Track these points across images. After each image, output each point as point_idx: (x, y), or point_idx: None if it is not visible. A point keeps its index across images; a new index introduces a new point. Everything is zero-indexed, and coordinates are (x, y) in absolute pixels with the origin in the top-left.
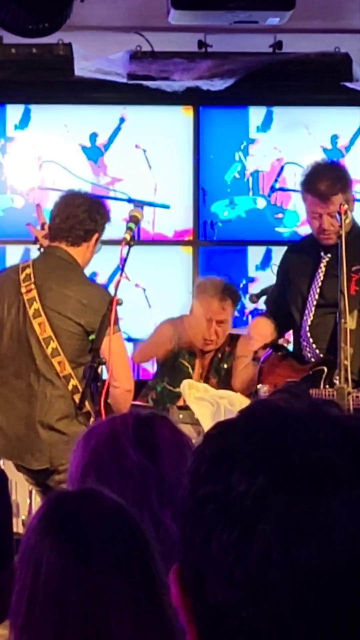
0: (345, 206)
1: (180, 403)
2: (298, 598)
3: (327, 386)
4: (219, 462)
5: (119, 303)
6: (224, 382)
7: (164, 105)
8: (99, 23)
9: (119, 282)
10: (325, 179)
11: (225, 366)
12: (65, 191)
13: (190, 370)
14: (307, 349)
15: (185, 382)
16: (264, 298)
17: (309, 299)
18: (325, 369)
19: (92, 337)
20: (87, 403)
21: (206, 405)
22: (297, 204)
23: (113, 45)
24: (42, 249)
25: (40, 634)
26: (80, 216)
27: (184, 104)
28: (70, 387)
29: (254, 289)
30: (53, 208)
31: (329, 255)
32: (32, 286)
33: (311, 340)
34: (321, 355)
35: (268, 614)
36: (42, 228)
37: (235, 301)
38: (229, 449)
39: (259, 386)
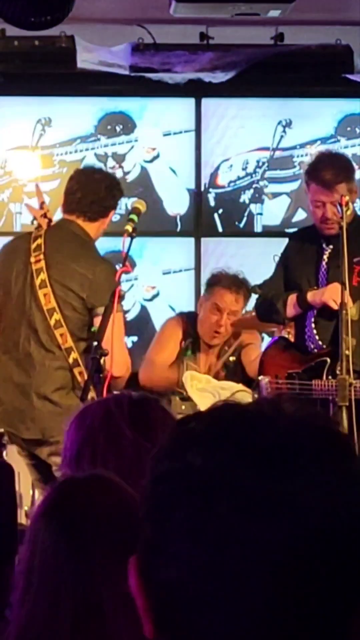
0: (347, 197)
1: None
2: (252, 575)
3: (329, 377)
4: (177, 442)
5: (122, 295)
6: (232, 375)
7: (166, 98)
8: (101, 15)
9: (121, 273)
10: (329, 168)
11: (232, 359)
12: (83, 166)
13: (196, 366)
14: (310, 340)
15: (187, 374)
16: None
17: (319, 284)
18: (328, 360)
19: (94, 328)
20: (85, 376)
21: (208, 396)
22: None
23: (115, 38)
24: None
25: (35, 607)
26: (101, 193)
27: (185, 96)
28: (71, 360)
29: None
30: (71, 181)
31: (331, 246)
32: (41, 257)
33: (315, 331)
34: (324, 347)
35: (221, 591)
36: (41, 207)
37: (247, 296)
38: (188, 431)
39: (260, 377)
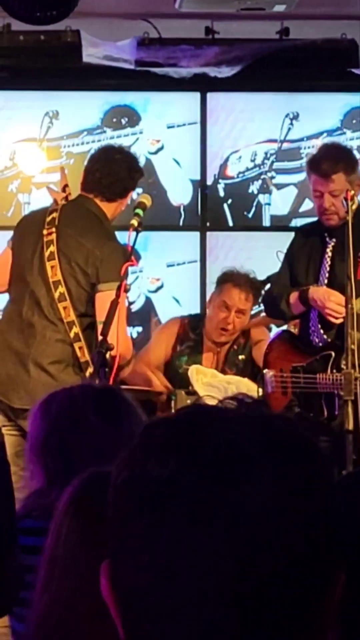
0: (352, 192)
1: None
2: (205, 584)
3: (334, 371)
4: (138, 451)
5: (127, 289)
6: (242, 374)
7: (171, 92)
8: (107, 10)
9: (127, 267)
10: (328, 158)
11: (241, 357)
12: (103, 146)
13: None
14: (315, 334)
15: (193, 368)
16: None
17: (317, 284)
18: (333, 354)
19: (100, 322)
20: (86, 351)
21: (214, 391)
22: None
23: (121, 32)
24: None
25: (56, 596)
26: (121, 173)
27: (191, 90)
28: (72, 334)
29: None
30: (91, 161)
31: (334, 239)
32: (54, 229)
33: (319, 325)
34: (328, 340)
35: (175, 599)
36: (64, 190)
37: (256, 297)
38: (150, 439)
39: (265, 371)
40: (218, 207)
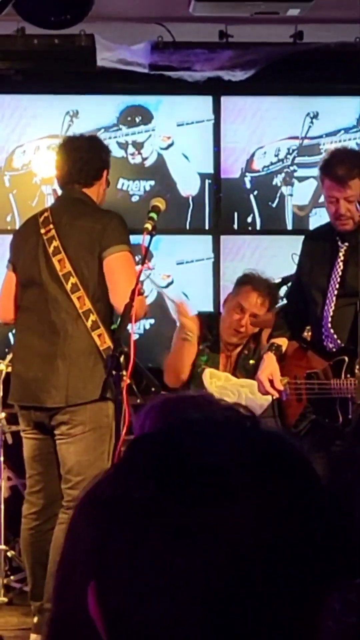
0: None
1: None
2: (185, 604)
3: (348, 375)
4: (120, 469)
5: (141, 293)
6: (252, 378)
7: (186, 95)
8: (121, 14)
9: (141, 271)
10: (343, 164)
11: (252, 362)
12: (61, 140)
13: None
14: (329, 339)
15: (207, 371)
16: (284, 289)
17: (330, 288)
18: (347, 359)
19: (114, 326)
20: (106, 337)
21: (227, 394)
22: None
23: (135, 36)
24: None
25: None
26: (85, 157)
27: (205, 94)
28: (89, 323)
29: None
30: (57, 157)
31: (347, 243)
32: (51, 226)
33: (332, 330)
34: (342, 345)
35: (157, 619)
36: None
37: (273, 304)
38: (132, 457)
39: (280, 378)
40: (245, 200)
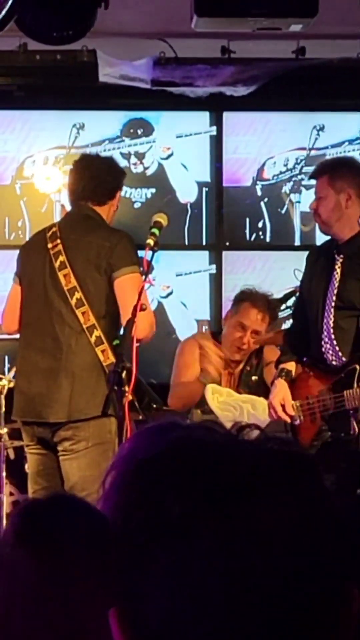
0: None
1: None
2: (238, 611)
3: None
4: (149, 490)
5: (143, 308)
6: (255, 394)
7: (188, 111)
8: (123, 29)
9: (143, 287)
10: (320, 164)
11: (254, 378)
12: (79, 157)
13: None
14: (330, 352)
15: (209, 387)
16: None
17: (327, 301)
18: (358, 367)
19: (116, 341)
20: (110, 353)
21: (229, 410)
22: None
23: (137, 52)
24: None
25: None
26: (101, 176)
27: (207, 110)
28: (93, 338)
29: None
30: (71, 174)
31: (342, 255)
32: (58, 241)
33: (335, 342)
34: (343, 358)
35: (212, 632)
36: None
37: (272, 319)
38: (156, 478)
39: (292, 402)
40: (256, 206)
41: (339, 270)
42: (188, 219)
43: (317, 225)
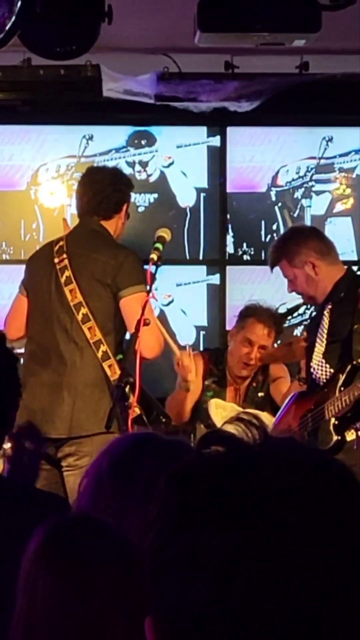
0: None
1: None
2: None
3: (342, 388)
4: (188, 517)
5: (147, 323)
6: (260, 410)
7: (192, 126)
8: (127, 44)
9: (146, 301)
10: (271, 251)
11: (261, 394)
12: (86, 169)
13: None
14: (318, 369)
15: (213, 402)
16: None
17: (317, 339)
18: (341, 376)
19: (120, 356)
20: (117, 367)
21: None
22: None
23: (141, 67)
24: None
25: None
26: (107, 190)
27: (211, 125)
28: (100, 353)
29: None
30: (78, 188)
31: (330, 302)
32: (64, 256)
33: (323, 360)
34: (331, 371)
35: None
36: None
37: (278, 333)
38: (195, 502)
39: None
40: (271, 210)
41: (327, 314)
42: (187, 221)
43: None
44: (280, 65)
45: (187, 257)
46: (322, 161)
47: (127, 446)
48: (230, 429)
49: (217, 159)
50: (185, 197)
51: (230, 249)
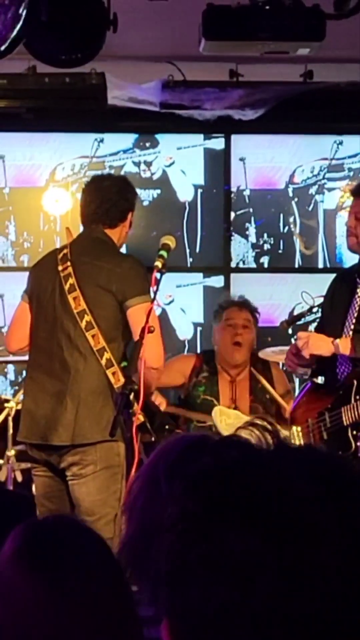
0: None
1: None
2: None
3: (358, 397)
4: (209, 521)
5: (151, 330)
6: (268, 410)
7: (196, 134)
8: (132, 53)
9: (151, 309)
10: None
11: (268, 396)
12: (91, 177)
13: (215, 401)
14: (345, 373)
15: (217, 409)
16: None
17: (346, 325)
18: (355, 382)
19: (124, 363)
20: (121, 375)
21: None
22: None
23: (146, 75)
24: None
25: None
26: (113, 198)
27: (215, 133)
28: (103, 361)
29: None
30: (83, 195)
31: None
32: (68, 263)
33: (351, 363)
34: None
35: None
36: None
37: (253, 312)
38: (216, 505)
39: (292, 429)
40: (288, 205)
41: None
42: (186, 214)
43: (320, 248)
44: (284, 74)
45: (188, 256)
46: (333, 162)
47: (182, 448)
48: (245, 434)
49: (216, 161)
50: (184, 193)
51: (252, 238)
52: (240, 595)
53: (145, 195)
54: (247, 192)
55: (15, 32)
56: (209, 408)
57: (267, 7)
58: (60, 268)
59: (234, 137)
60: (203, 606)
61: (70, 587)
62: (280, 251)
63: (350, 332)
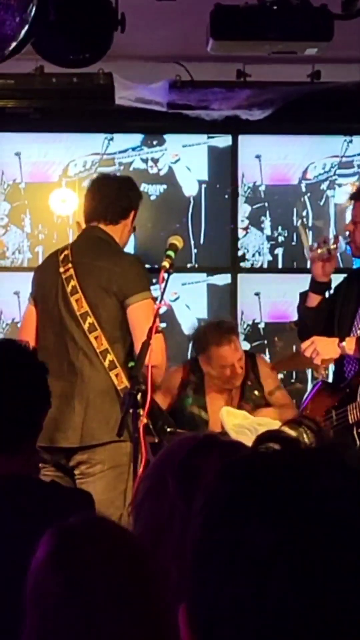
0: None
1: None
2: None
3: None
4: (234, 509)
5: (159, 331)
6: (259, 406)
7: (203, 134)
8: (139, 53)
9: (159, 309)
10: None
11: (257, 393)
12: (94, 179)
13: (204, 415)
14: (352, 372)
15: (224, 409)
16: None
17: (355, 324)
18: None
19: (131, 364)
20: (124, 377)
21: (245, 432)
22: None
23: (153, 75)
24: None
25: None
26: (113, 194)
27: (222, 133)
28: (107, 363)
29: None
30: (86, 194)
31: None
32: (69, 265)
33: (358, 362)
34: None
35: None
36: None
37: (237, 332)
38: (243, 495)
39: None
40: (301, 199)
41: None
42: (191, 207)
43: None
44: (292, 74)
45: (192, 247)
46: (344, 159)
47: (190, 448)
48: (289, 431)
49: (220, 158)
50: (189, 188)
51: (267, 231)
52: (253, 587)
53: (153, 190)
54: (262, 188)
55: (23, 32)
56: (196, 422)
57: (275, 7)
58: (61, 270)
59: (246, 136)
60: (218, 594)
61: (100, 590)
62: (293, 243)
63: (358, 332)
